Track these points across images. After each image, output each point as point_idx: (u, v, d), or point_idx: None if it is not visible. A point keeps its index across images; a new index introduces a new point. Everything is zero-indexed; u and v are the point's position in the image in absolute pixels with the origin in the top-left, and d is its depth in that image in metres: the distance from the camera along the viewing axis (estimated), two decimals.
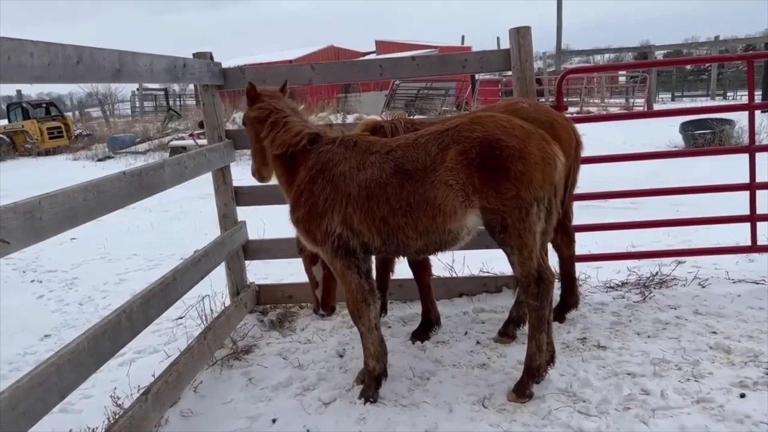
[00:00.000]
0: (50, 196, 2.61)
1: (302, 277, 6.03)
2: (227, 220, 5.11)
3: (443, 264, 5.66)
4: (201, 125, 22.02)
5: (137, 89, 38.78)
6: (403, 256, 3.57)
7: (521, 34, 4.76)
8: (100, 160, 21.56)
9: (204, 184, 14.86)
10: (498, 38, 33.04)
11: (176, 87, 41.16)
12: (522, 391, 3.50)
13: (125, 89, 44.76)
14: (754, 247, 5.08)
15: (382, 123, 4.11)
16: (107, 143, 23.47)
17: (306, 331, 4.85)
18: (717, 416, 3.17)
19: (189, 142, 20.24)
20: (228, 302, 5.23)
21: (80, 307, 6.36)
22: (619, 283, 5.29)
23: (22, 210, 2.42)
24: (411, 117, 4.36)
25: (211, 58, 4.95)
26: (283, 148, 3.56)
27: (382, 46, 32.79)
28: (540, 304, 3.38)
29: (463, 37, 36.98)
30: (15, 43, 2.46)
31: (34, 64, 2.59)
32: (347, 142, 3.50)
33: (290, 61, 33.69)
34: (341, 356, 4.34)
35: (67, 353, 2.62)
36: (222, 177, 5.03)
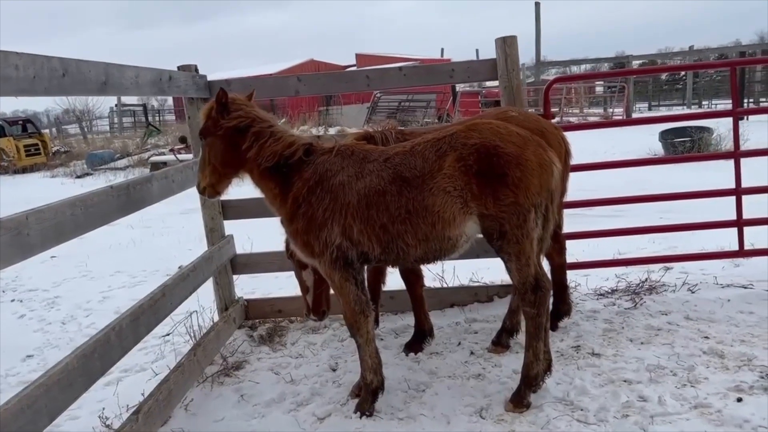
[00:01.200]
0: (37, 211, 2.54)
1: (291, 291, 6.02)
2: (214, 234, 5.04)
3: (433, 274, 5.63)
4: (182, 140, 22.02)
5: (116, 105, 38.48)
6: (402, 265, 3.52)
7: (507, 44, 4.78)
8: (78, 177, 21.29)
9: (186, 199, 14.64)
10: (477, 50, 33.42)
11: (155, 102, 40.99)
12: (519, 401, 3.46)
13: (103, 105, 44.43)
14: (741, 252, 5.12)
15: (372, 133, 4.07)
16: (86, 160, 23.21)
17: (297, 346, 4.78)
18: (716, 421, 3.17)
19: (170, 157, 20.08)
20: (216, 318, 5.15)
21: (63, 326, 6.22)
22: (609, 290, 5.29)
23: (8, 226, 2.35)
24: (401, 128, 4.32)
25: (196, 70, 4.90)
26: (273, 159, 3.44)
27: (363, 59, 32.90)
28: (537, 312, 3.36)
29: (442, 50, 37.27)
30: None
31: (19, 76, 2.53)
32: (344, 152, 3.46)
33: (272, 75, 33.70)
34: (334, 370, 4.28)
35: (56, 373, 2.53)
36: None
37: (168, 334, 5.41)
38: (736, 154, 4.97)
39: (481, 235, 3.36)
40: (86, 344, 2.81)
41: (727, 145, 14.16)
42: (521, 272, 3.29)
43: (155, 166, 19.96)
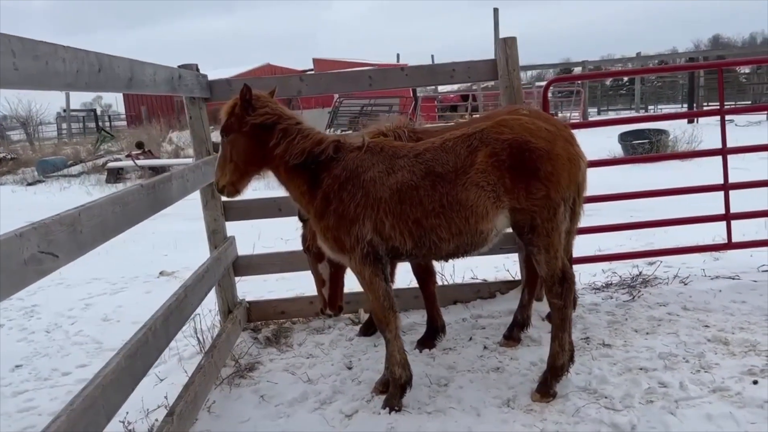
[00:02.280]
0: (86, 208, 2.48)
1: (292, 292, 5.99)
2: (217, 235, 4.97)
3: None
4: (139, 146, 21.53)
5: (63, 110, 37.24)
6: (431, 260, 3.57)
7: (508, 44, 4.89)
8: (30, 184, 20.52)
9: None
10: (432, 56, 33.77)
11: (98, 108, 39.84)
12: (546, 391, 3.54)
13: (47, 111, 42.78)
14: (729, 245, 5.35)
15: (385, 132, 4.11)
16: (36, 166, 22.37)
17: (305, 346, 4.76)
18: (738, 403, 3.31)
19: (128, 163, 19.64)
20: (218, 320, 5.08)
21: (48, 334, 6.02)
22: (604, 285, 5.46)
23: (66, 222, 2.29)
24: (413, 126, 4.37)
25: (197, 69, 4.84)
26: (302, 156, 3.44)
27: (320, 63, 32.79)
28: (564, 303, 3.46)
29: (398, 55, 37.61)
30: (50, 48, 2.34)
31: (66, 70, 2.46)
32: (373, 148, 3.49)
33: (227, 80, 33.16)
34: (350, 368, 4.28)
35: (110, 373, 2.48)
36: (211, 192, 4.89)
37: None
38: (724, 151, 5.20)
39: (510, 229, 3.43)
40: (129, 345, 2.75)
41: (683, 146, 14.76)
42: (549, 264, 3.38)
43: (112, 172, 19.49)
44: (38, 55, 2.24)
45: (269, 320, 5.26)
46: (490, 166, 3.25)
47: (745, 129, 17.86)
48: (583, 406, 3.42)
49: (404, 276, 5.07)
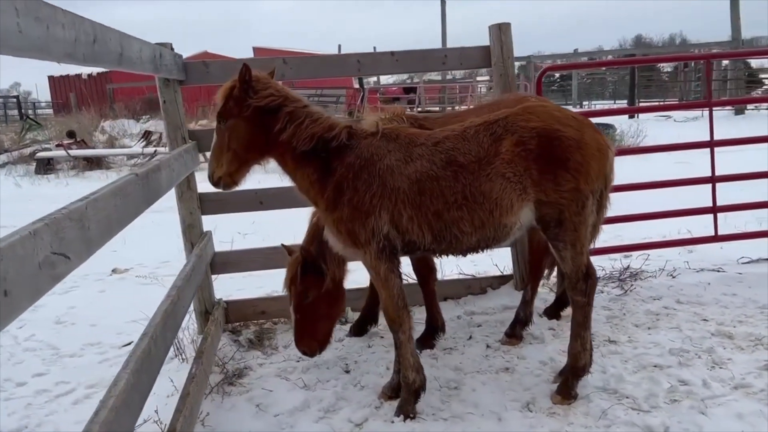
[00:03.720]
0: (92, 200, 2.11)
1: (262, 290, 5.64)
2: (193, 230, 4.58)
3: None
4: (70, 135, 20.34)
5: None
6: (449, 254, 3.33)
7: (502, 31, 4.72)
8: None
9: None
10: (374, 47, 33.41)
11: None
12: (567, 392, 3.38)
13: None
14: (717, 237, 5.37)
15: (394, 118, 3.84)
16: None
17: (291, 349, 4.42)
18: (765, 400, 3.24)
19: (59, 153, 18.48)
20: (195, 322, 4.69)
21: None
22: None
23: (75, 217, 1.92)
24: (411, 113, 4.12)
25: (172, 49, 4.42)
26: (311, 142, 3.14)
27: (261, 52, 31.92)
28: (587, 301, 3.30)
29: (339, 47, 37.06)
30: (50, 10, 1.96)
31: (65, 37, 2.09)
32: (389, 135, 3.23)
33: (204, 62, 31.87)
34: (347, 372, 4.00)
35: (121, 393, 2.12)
36: (187, 183, 4.50)
37: (129, 343, 4.89)
38: (711, 144, 5.20)
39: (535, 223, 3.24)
40: (134, 358, 2.40)
41: (629, 140, 15.09)
42: (575, 261, 3.21)
43: (41, 162, 18.30)
44: (40, 17, 1.87)
45: (248, 321, 4.91)
46: (517, 155, 3.04)
47: (683, 125, 18.48)
48: (608, 407, 3.27)
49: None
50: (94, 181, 15.52)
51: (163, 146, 18.78)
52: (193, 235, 4.57)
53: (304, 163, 3.21)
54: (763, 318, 4.31)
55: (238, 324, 4.88)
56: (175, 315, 3.10)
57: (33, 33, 1.81)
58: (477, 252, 3.37)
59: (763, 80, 30.08)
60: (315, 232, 4.03)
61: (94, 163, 17.64)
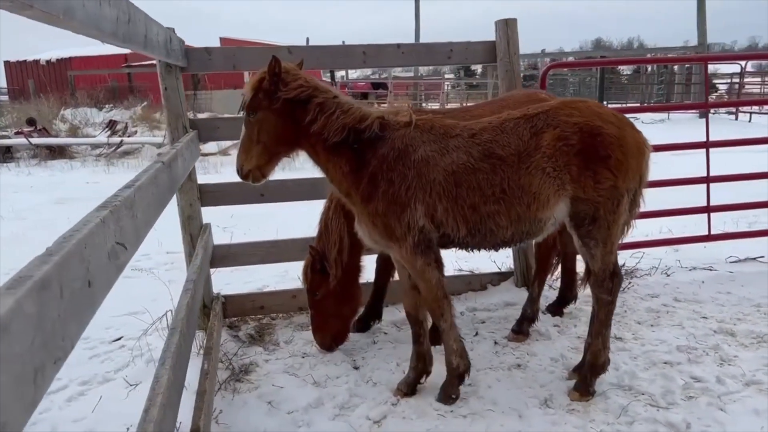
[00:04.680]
0: (139, 188, 2.00)
1: (251, 285, 5.54)
2: (192, 222, 4.44)
3: None
4: (30, 122, 19.63)
5: None
6: (481, 248, 3.30)
7: (509, 26, 4.70)
8: None
9: (54, 187, 13.15)
10: (343, 41, 33.21)
11: None
12: (585, 389, 3.39)
13: None
14: (709, 236, 5.47)
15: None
16: None
17: (294, 344, 4.34)
18: None
19: (18, 141, 17.81)
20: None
21: None
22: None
23: (128, 205, 1.82)
24: (417, 108, 4.07)
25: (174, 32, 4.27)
26: (342, 133, 3.06)
27: (228, 43, 31.47)
28: (612, 299, 3.31)
29: (307, 39, 36.58)
30: None
31: (110, 15, 1.98)
32: (423, 126, 3.17)
33: (125, 56, 31.13)
34: (357, 368, 3.94)
35: (165, 391, 2.02)
36: (188, 174, 4.35)
37: (120, 338, 4.74)
38: (707, 144, 5.29)
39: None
40: (171, 354, 2.29)
41: None
42: (605, 259, 3.21)
43: None
44: None
45: (246, 316, 4.79)
46: (558, 150, 3.01)
47: (649, 126, 18.86)
48: (627, 404, 3.29)
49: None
50: (58, 171, 15.02)
51: (128, 136, 18.31)
52: (193, 227, 4.43)
53: (335, 154, 3.13)
54: (761, 316, 4.40)
55: (235, 319, 4.76)
56: (194, 309, 2.99)
57: (91, 8, 1.70)
58: (508, 247, 3.38)
59: (716, 85, 31.05)
60: (323, 232, 3.99)
61: (57, 153, 17.05)
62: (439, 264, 3.25)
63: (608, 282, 3.26)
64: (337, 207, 3.92)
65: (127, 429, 3.25)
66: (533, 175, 3.03)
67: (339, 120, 3.06)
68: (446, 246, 3.28)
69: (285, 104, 3.05)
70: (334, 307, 4.02)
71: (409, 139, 3.10)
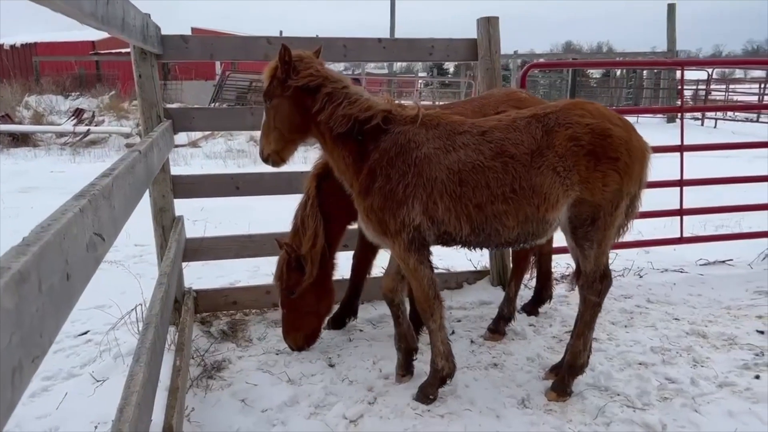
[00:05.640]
0: (117, 177, 1.91)
1: (224, 279, 5.43)
2: (165, 214, 4.32)
3: None
4: None
5: None
6: (484, 247, 3.28)
7: (491, 24, 4.68)
8: None
9: (18, 176, 12.77)
10: (317, 35, 33.02)
11: None
12: (563, 390, 3.39)
13: None
14: (682, 239, 5.53)
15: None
16: None
17: (268, 341, 4.26)
18: (752, 399, 3.34)
19: None
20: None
21: None
22: (560, 276, 5.43)
23: (105, 194, 1.73)
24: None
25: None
26: (347, 124, 3.07)
27: (198, 32, 30.97)
28: (599, 301, 3.33)
29: (281, 32, 36.26)
30: None
31: None
32: (429, 122, 3.13)
33: (93, 43, 30.42)
34: (332, 366, 3.87)
35: (140, 389, 1.94)
36: (162, 164, 4.23)
37: (86, 332, 4.60)
38: (682, 148, 5.35)
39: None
40: (144, 350, 2.20)
41: None
42: (598, 260, 3.20)
43: None
44: None
45: (219, 311, 4.69)
46: (569, 150, 2.98)
47: None
48: (604, 405, 3.29)
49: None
50: (21, 159, 14.59)
51: (95, 125, 17.89)
52: (165, 219, 4.31)
53: (340, 144, 3.16)
54: (731, 318, 4.47)
55: (207, 314, 4.65)
56: (168, 304, 2.90)
57: None
58: (513, 247, 3.35)
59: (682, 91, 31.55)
60: (299, 228, 3.92)
61: (20, 140, 16.56)
62: (431, 263, 3.24)
63: (598, 284, 3.26)
64: (314, 203, 3.86)
65: (95, 427, 3.14)
66: (545, 175, 2.99)
67: (345, 110, 3.08)
68: (448, 244, 3.25)
69: (296, 92, 3.12)
70: (310, 306, 3.95)
71: (412, 135, 3.07)
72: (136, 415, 1.81)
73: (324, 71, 3.15)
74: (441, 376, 3.35)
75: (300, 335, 3.95)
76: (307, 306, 3.94)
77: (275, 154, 3.28)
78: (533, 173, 3.00)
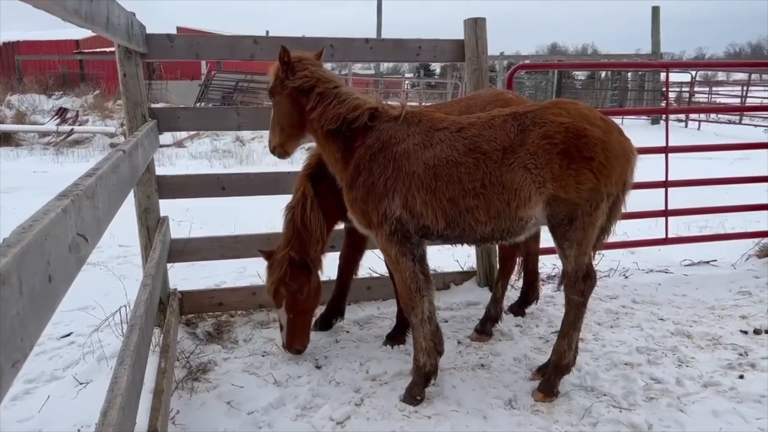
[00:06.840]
0: (100, 176, 1.88)
1: (208, 280, 5.40)
2: (149, 215, 4.28)
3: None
4: None
5: None
6: (464, 242, 3.31)
7: (478, 25, 4.70)
8: None
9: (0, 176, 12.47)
10: (303, 35, 32.96)
11: None
12: (549, 390, 3.40)
13: None
14: (667, 239, 5.57)
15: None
16: None
17: (254, 343, 4.23)
18: (736, 398, 3.36)
19: None
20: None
21: None
22: (546, 277, 5.45)
23: (89, 194, 1.70)
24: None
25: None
26: (336, 122, 3.23)
27: (184, 31, 30.79)
28: (583, 301, 3.33)
29: (267, 32, 36.17)
30: None
31: None
32: (411, 119, 3.23)
33: (77, 42, 30.14)
34: (319, 368, 3.85)
35: (125, 392, 1.91)
36: (147, 164, 4.19)
37: (69, 334, 4.55)
38: (667, 150, 5.39)
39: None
40: (129, 352, 2.17)
41: None
42: (578, 260, 3.22)
43: None
44: None
45: (204, 313, 4.65)
46: (541, 148, 3.02)
47: None
48: (590, 405, 3.30)
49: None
50: (3, 159, 14.43)
51: (79, 125, 17.72)
52: (150, 220, 4.27)
53: (331, 140, 3.32)
54: (715, 318, 4.50)
55: (192, 316, 4.62)
56: (152, 305, 2.87)
57: None
58: (491, 243, 3.40)
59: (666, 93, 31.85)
60: (301, 230, 3.86)
61: (2, 140, 16.36)
62: (414, 256, 3.26)
63: (581, 283, 3.27)
64: (314, 204, 3.81)
65: (78, 430, 3.10)
66: (515, 172, 3.04)
67: (334, 109, 3.24)
68: (428, 237, 3.29)
69: (293, 91, 3.33)
70: (311, 306, 3.98)
71: (394, 131, 3.19)
72: (120, 419, 1.78)
73: (318, 73, 3.32)
74: (424, 372, 3.36)
75: (305, 338, 3.95)
76: (309, 306, 3.96)
77: (280, 147, 3.52)
78: (504, 170, 3.06)
